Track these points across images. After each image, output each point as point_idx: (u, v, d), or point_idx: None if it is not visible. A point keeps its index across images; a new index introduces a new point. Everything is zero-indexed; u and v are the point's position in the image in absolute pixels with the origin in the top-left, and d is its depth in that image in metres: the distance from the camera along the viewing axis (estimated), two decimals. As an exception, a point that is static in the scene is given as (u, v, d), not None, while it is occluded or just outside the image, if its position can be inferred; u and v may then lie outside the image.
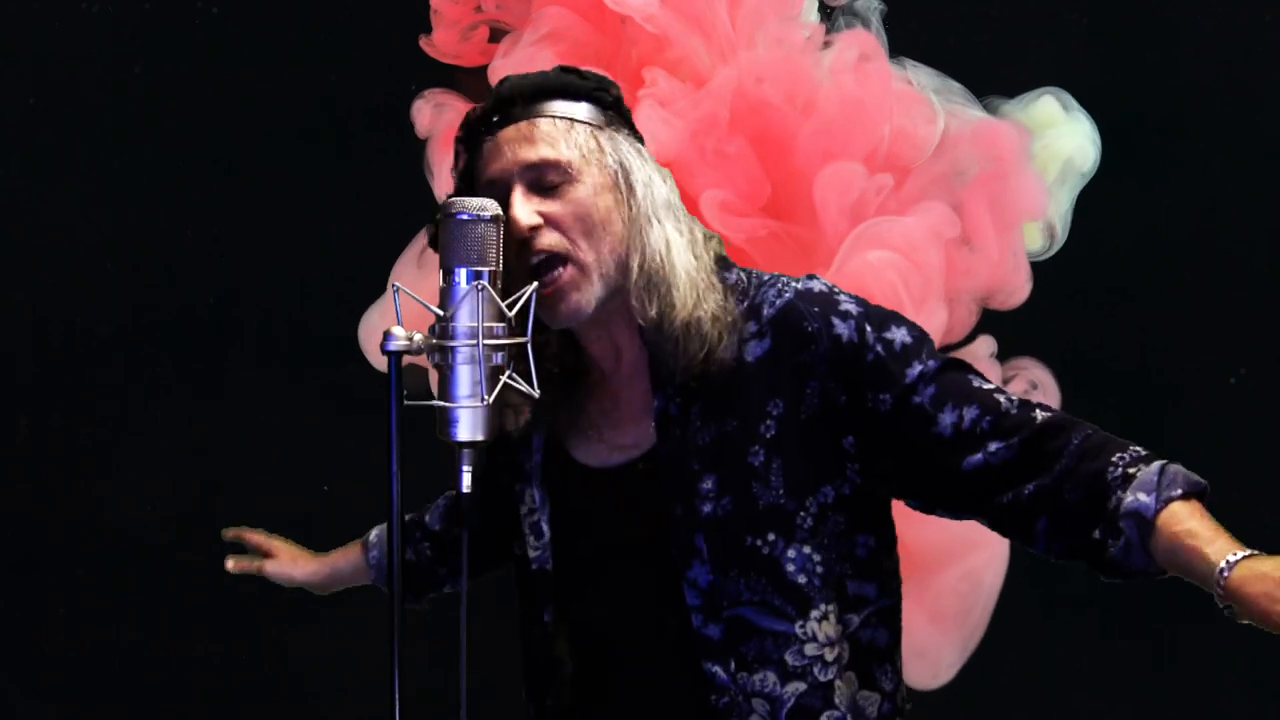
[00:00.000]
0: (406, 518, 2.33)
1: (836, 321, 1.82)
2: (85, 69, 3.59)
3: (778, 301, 1.85)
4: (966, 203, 2.56)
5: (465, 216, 1.73)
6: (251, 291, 3.61)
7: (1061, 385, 2.65)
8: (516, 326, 1.76)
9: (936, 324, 2.49)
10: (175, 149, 3.57)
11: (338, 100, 3.56)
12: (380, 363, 2.67)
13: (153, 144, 3.58)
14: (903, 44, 2.73)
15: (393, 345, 1.67)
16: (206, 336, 3.63)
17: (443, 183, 2.70)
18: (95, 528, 3.60)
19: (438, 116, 2.70)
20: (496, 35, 2.73)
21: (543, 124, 1.86)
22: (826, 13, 2.66)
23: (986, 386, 1.82)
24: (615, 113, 1.93)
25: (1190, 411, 3.46)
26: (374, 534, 2.40)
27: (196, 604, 3.57)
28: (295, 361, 3.54)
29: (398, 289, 1.75)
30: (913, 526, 2.38)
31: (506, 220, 1.81)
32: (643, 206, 1.85)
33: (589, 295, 1.83)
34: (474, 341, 1.70)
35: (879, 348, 1.81)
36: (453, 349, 1.71)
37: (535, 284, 1.80)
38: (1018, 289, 2.61)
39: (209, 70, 3.57)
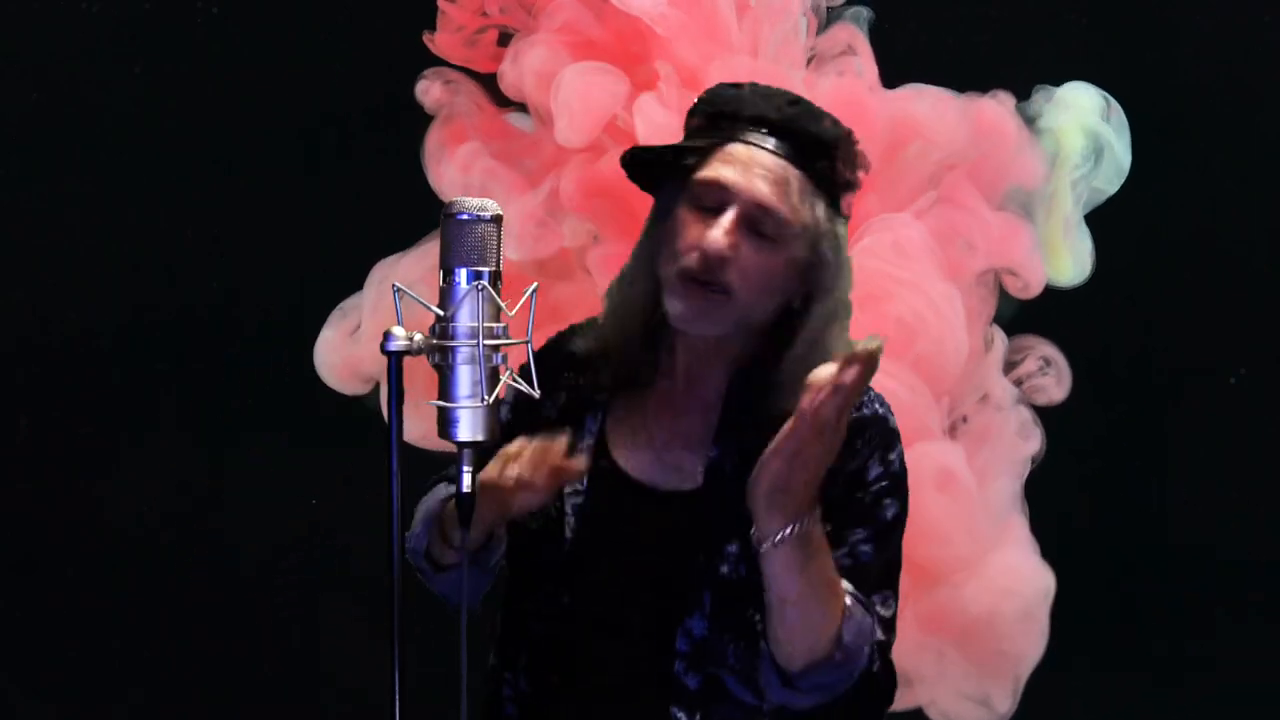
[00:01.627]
0: None
1: (873, 464, 1.88)
2: (85, 69, 3.59)
3: (862, 410, 1.88)
4: (949, 176, 2.56)
5: (465, 216, 1.73)
6: (251, 291, 3.61)
7: (1062, 386, 2.65)
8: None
9: (953, 303, 2.47)
10: (175, 149, 3.57)
11: (338, 100, 3.56)
12: (336, 383, 2.70)
13: (153, 144, 3.57)
14: (902, 44, 2.73)
15: (393, 345, 1.67)
16: (206, 336, 3.62)
17: (438, 171, 2.68)
18: (95, 528, 3.60)
19: (449, 93, 2.68)
20: (505, 40, 2.72)
21: (795, 179, 1.85)
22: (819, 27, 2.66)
23: (892, 566, 1.89)
24: (843, 187, 1.91)
25: (1190, 411, 3.46)
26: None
27: (196, 604, 3.57)
28: (295, 361, 3.53)
29: (398, 289, 1.75)
30: (915, 542, 2.36)
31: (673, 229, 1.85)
32: (821, 309, 1.87)
33: (718, 325, 1.86)
34: (474, 341, 1.70)
35: (868, 499, 1.87)
36: (453, 349, 1.71)
37: (535, 284, 1.79)
38: (1034, 282, 2.60)
39: (209, 70, 3.57)
